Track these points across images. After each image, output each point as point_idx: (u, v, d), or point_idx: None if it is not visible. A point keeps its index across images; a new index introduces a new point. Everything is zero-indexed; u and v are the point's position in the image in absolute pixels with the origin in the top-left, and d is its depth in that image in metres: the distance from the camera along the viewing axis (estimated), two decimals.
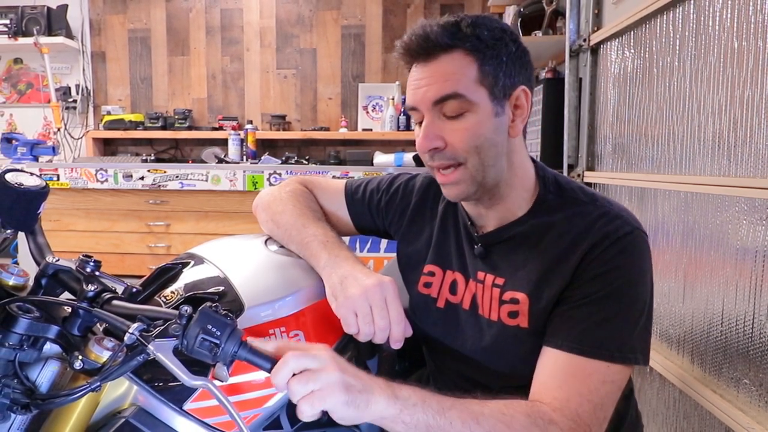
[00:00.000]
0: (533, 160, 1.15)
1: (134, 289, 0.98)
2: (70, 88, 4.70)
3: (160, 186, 3.61)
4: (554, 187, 1.12)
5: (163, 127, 4.55)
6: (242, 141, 4.30)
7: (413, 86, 1.05)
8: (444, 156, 1.04)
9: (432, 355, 1.27)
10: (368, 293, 1.03)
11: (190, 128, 4.58)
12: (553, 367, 0.98)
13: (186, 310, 0.81)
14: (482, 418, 0.88)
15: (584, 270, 1.00)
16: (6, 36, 4.42)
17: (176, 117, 4.56)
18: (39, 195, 0.93)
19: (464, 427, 0.87)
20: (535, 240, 1.07)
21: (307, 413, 0.84)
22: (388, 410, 0.86)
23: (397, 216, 1.31)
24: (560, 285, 1.01)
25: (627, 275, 0.99)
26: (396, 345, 1.06)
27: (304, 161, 4.24)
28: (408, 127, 4.38)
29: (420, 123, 1.06)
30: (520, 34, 3.20)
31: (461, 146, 1.02)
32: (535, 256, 1.06)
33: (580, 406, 0.93)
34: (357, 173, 3.46)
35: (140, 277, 1.12)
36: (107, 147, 4.81)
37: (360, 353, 1.15)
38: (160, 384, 0.94)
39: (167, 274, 1.09)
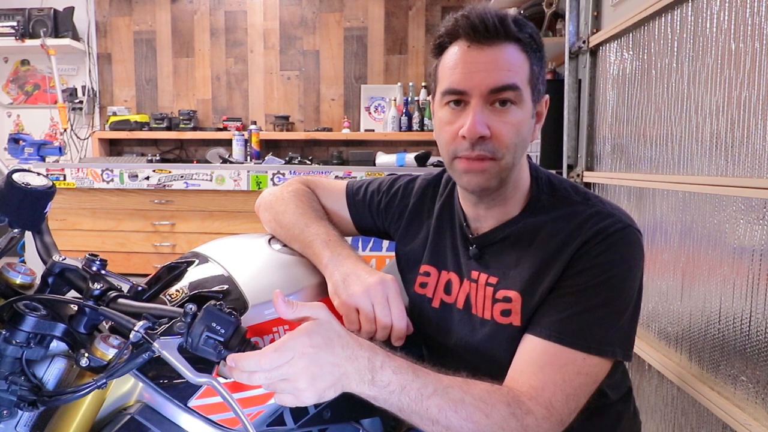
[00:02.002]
0: (528, 161, 1.16)
1: (139, 288, 0.98)
2: (76, 89, 4.71)
3: (165, 186, 3.63)
4: (547, 187, 1.13)
5: (168, 128, 4.56)
6: (246, 141, 4.31)
7: (466, 69, 1.01)
8: (486, 147, 1.01)
9: (430, 355, 1.29)
10: (370, 291, 1.04)
11: (194, 129, 4.59)
12: (530, 354, 0.98)
13: (191, 308, 0.82)
14: (461, 405, 0.88)
15: (573, 264, 1.01)
16: (13, 38, 4.43)
17: (181, 118, 4.57)
18: (46, 195, 0.94)
19: (440, 415, 0.87)
20: (527, 239, 1.08)
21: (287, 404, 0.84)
22: (363, 394, 0.87)
23: (396, 217, 1.32)
24: (551, 281, 1.02)
25: (613, 270, 1.00)
26: (397, 342, 1.06)
27: (308, 161, 4.25)
28: (409, 128, 4.39)
29: (449, 104, 1.04)
30: None
31: (505, 140, 1.01)
32: (528, 256, 1.06)
33: (554, 395, 0.93)
34: (359, 173, 3.47)
35: (145, 275, 1.12)
36: (113, 147, 4.82)
37: None
38: (165, 381, 0.94)
39: (172, 272, 1.09)
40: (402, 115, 4.40)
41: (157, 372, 0.94)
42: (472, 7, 1.02)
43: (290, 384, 0.81)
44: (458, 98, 1.03)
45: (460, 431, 0.88)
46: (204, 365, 0.85)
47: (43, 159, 3.90)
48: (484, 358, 1.10)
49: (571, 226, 1.04)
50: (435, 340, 1.21)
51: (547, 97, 1.09)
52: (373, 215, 1.35)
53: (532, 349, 0.99)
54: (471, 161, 1.03)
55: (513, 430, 0.89)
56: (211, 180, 3.60)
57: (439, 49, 1.07)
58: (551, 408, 0.93)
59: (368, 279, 1.06)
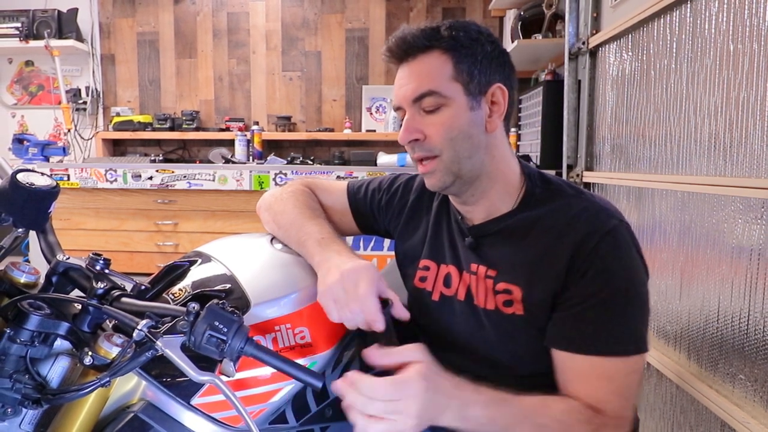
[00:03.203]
0: (518, 158, 1.19)
1: (143, 287, 0.99)
2: (80, 89, 4.72)
3: (168, 186, 3.63)
4: (540, 181, 1.15)
5: (171, 128, 4.57)
6: (248, 142, 4.31)
7: (396, 86, 1.12)
8: (422, 148, 1.10)
9: (432, 349, 1.30)
10: (343, 279, 1.02)
11: (197, 129, 4.60)
12: (578, 371, 1.01)
13: (193, 307, 0.83)
14: (545, 430, 0.93)
15: (580, 268, 1.02)
16: (17, 39, 4.44)
17: (184, 118, 4.58)
18: (50, 194, 0.94)
19: None
20: (522, 233, 1.10)
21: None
22: (452, 426, 0.90)
23: (395, 214, 1.33)
24: (553, 280, 1.03)
25: (625, 270, 1.02)
26: (375, 327, 1.01)
27: (309, 161, 4.26)
28: None
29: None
30: (521, 37, 3.22)
31: (437, 138, 1.08)
32: (524, 249, 1.08)
33: (617, 402, 0.98)
34: (361, 173, 3.47)
35: (149, 274, 1.12)
36: (116, 148, 4.83)
37: (366, 347, 1.17)
38: (169, 379, 0.95)
39: (175, 271, 1.10)
40: (403, 116, 4.40)
41: (160, 370, 0.95)
42: (395, 32, 1.12)
43: (397, 418, 0.85)
44: (401, 113, 1.13)
45: None
46: (207, 363, 0.86)
47: (47, 159, 3.91)
48: (490, 348, 1.11)
49: (565, 218, 1.07)
50: (436, 333, 1.22)
51: (497, 85, 1.10)
52: (374, 213, 1.37)
53: (577, 366, 1.01)
54: (422, 165, 1.12)
55: None
56: (213, 180, 3.60)
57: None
58: (619, 416, 0.98)
59: (343, 267, 1.04)
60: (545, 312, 1.05)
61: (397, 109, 1.13)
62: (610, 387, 0.99)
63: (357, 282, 1.02)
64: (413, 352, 0.91)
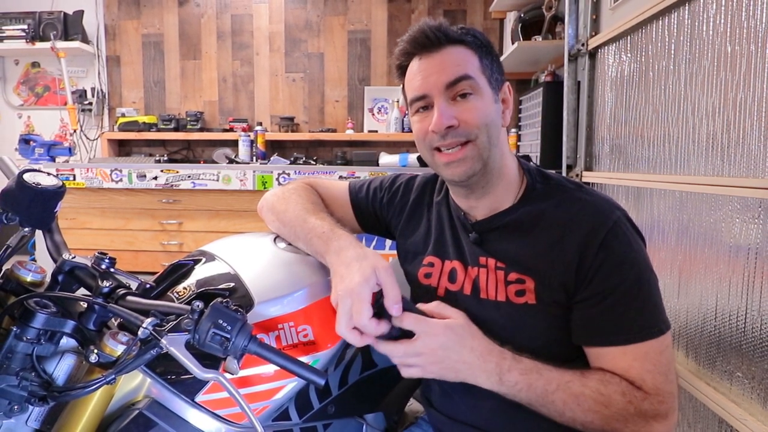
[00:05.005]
0: (515, 156, 1.22)
1: (148, 285, 1.00)
2: (85, 91, 4.74)
3: (172, 186, 3.64)
4: (540, 177, 1.18)
5: (176, 129, 4.58)
6: (252, 142, 4.32)
7: (422, 75, 1.12)
8: (457, 134, 1.10)
9: None
10: (351, 292, 0.99)
11: (201, 130, 4.61)
12: (613, 359, 1.04)
13: (198, 306, 0.84)
14: (582, 398, 0.98)
15: (592, 264, 1.04)
16: (24, 41, 4.46)
17: (188, 119, 4.59)
18: (56, 194, 0.96)
19: (565, 407, 0.99)
20: (528, 226, 1.12)
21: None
22: (493, 389, 1.00)
23: (397, 212, 1.35)
24: (563, 272, 1.06)
25: (636, 257, 1.05)
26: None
27: (312, 162, 4.27)
28: (412, 129, 4.39)
29: (418, 110, 1.14)
30: (521, 39, 3.23)
31: (473, 123, 1.09)
32: (532, 242, 1.10)
33: (654, 379, 1.01)
34: (363, 173, 3.48)
35: (153, 273, 1.13)
36: (122, 148, 4.85)
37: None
38: (173, 377, 0.96)
39: (180, 270, 1.11)
40: (404, 116, 4.42)
41: (164, 368, 0.96)
42: (414, 27, 1.14)
43: (419, 368, 0.99)
44: (424, 103, 1.13)
45: (584, 421, 1.00)
46: (211, 361, 0.87)
47: (53, 159, 3.93)
48: (501, 339, 1.09)
49: (570, 211, 1.09)
50: None
51: (507, 84, 1.18)
52: (376, 211, 1.38)
53: (612, 355, 1.04)
54: (450, 154, 1.11)
55: (632, 415, 0.99)
56: (217, 180, 3.61)
57: (401, 71, 1.18)
58: (660, 391, 1.01)
59: (339, 286, 1.01)
60: (556, 302, 1.07)
61: (420, 98, 1.13)
62: (645, 366, 1.01)
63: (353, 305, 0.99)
64: (453, 312, 1.02)
